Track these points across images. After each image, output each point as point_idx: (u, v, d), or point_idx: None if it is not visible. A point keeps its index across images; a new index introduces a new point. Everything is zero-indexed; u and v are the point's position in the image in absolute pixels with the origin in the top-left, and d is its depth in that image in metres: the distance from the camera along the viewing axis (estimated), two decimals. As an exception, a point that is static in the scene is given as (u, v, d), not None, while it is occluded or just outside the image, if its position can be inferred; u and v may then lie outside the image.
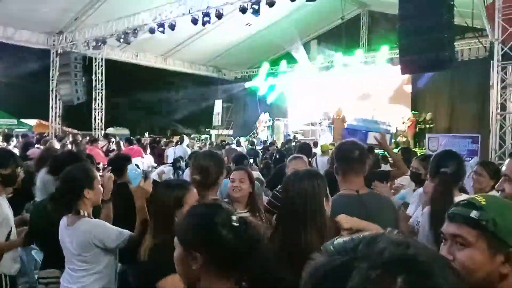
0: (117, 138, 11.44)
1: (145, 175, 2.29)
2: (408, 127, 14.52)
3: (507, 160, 1.48)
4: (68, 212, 2.30)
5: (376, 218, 2.03)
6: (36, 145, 8.05)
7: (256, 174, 4.37)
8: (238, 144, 11.14)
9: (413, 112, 14.95)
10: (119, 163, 3.49)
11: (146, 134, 13.97)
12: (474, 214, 1.06)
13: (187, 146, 10.29)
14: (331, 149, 7.69)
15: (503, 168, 1.48)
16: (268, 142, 13.03)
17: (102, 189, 2.41)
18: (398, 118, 15.10)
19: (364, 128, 11.24)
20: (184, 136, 10.98)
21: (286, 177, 2.04)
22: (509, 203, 1.14)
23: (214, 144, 14.30)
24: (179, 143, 10.06)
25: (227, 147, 9.58)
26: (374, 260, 0.54)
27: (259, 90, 19.57)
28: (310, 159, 5.74)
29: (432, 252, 0.59)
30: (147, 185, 2.26)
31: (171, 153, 9.61)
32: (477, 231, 1.05)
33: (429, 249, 0.59)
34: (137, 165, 2.64)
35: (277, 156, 8.45)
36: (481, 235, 1.05)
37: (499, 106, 9.27)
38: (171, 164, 7.06)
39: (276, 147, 11.14)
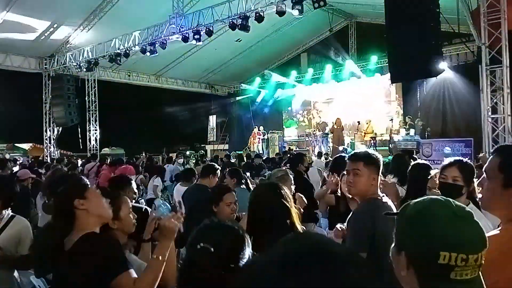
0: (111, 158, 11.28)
1: (175, 209, 2.09)
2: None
3: (489, 158, 1.43)
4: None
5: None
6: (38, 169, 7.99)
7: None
8: (241, 158, 10.87)
9: (408, 116, 14.74)
10: (119, 185, 3.47)
11: (143, 154, 13.86)
12: None
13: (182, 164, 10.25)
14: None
15: (485, 166, 1.43)
16: (254, 155, 12.65)
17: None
18: (388, 125, 15.21)
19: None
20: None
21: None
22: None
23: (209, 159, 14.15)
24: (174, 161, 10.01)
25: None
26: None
27: (253, 104, 19.67)
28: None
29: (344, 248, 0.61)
30: (178, 218, 1.96)
31: (168, 170, 9.72)
32: None
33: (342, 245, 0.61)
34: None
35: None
36: None
37: (490, 109, 9.37)
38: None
39: (262, 160, 10.10)
